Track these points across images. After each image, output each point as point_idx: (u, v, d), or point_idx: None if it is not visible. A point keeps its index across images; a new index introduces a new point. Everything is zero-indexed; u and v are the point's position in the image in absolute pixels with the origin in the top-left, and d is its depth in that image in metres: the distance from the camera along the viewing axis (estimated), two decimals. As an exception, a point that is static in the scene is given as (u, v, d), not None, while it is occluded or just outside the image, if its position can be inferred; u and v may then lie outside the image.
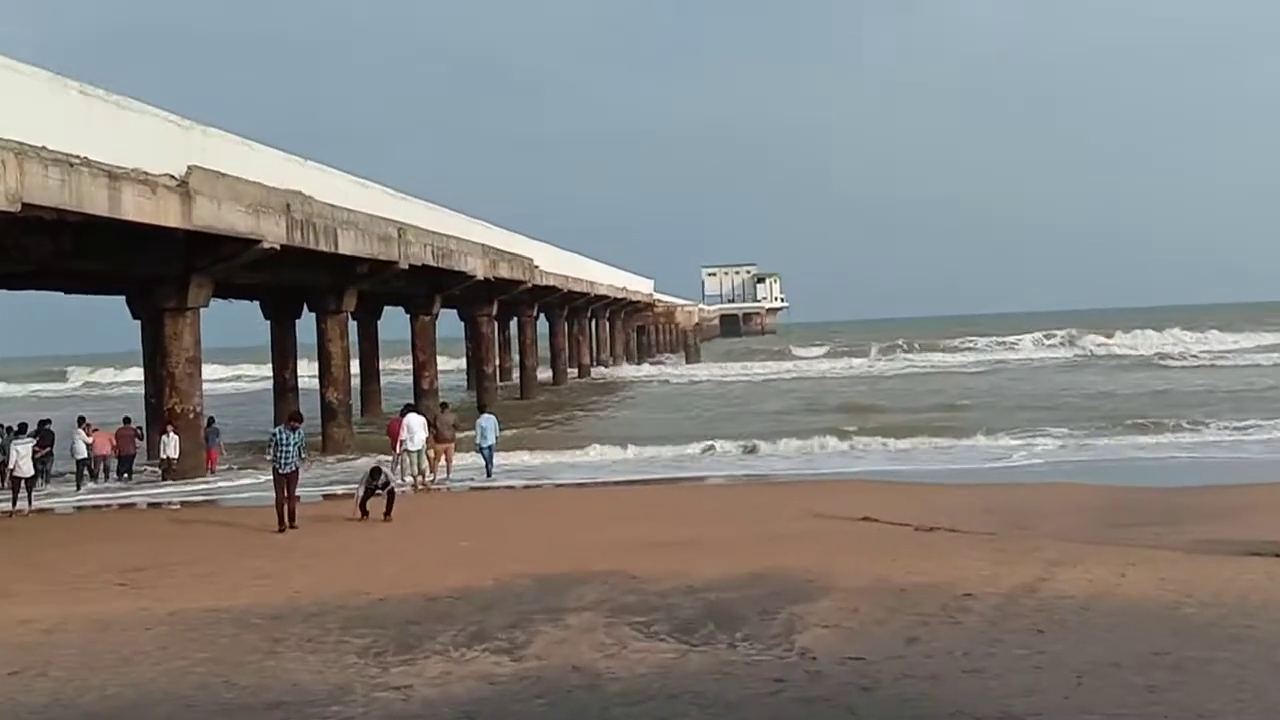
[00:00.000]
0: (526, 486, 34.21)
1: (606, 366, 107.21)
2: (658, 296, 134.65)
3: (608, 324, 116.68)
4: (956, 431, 44.79)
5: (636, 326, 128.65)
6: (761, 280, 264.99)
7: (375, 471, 27.83)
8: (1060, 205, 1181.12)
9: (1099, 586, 16.25)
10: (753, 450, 41.65)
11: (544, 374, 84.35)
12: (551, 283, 76.84)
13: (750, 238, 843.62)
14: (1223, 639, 13.35)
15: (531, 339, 79.98)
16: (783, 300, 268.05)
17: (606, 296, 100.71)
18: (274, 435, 26.49)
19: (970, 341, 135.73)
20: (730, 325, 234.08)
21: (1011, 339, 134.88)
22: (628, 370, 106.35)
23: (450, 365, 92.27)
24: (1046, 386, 71.47)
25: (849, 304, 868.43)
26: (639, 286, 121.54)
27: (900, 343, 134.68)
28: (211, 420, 40.46)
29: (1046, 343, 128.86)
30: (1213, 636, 13.48)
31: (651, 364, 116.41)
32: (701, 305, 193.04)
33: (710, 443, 43.02)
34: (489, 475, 35.75)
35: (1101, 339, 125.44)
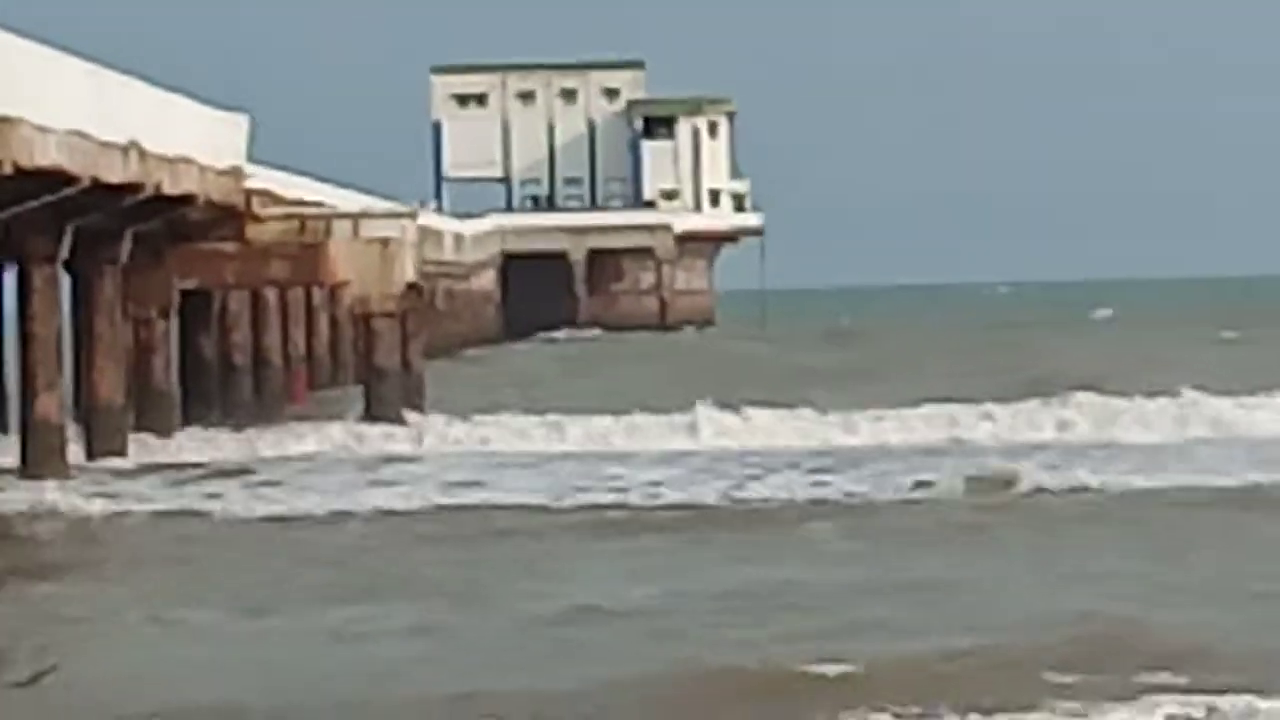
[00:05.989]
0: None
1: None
2: (256, 178, 32.47)
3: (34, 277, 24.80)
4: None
5: (181, 294, 30.37)
6: (660, 127, 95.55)
7: None
8: None
9: None
10: None
11: None
12: None
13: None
14: None
15: None
16: (749, 205, 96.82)
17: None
18: None
19: None
20: (546, 294, 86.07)
21: None
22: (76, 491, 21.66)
23: None
24: None
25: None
26: (168, 138, 26.55)
27: None
28: None
29: None
30: None
31: (190, 486, 23.11)
32: (431, 214, 64.39)
33: None
34: None
35: None
